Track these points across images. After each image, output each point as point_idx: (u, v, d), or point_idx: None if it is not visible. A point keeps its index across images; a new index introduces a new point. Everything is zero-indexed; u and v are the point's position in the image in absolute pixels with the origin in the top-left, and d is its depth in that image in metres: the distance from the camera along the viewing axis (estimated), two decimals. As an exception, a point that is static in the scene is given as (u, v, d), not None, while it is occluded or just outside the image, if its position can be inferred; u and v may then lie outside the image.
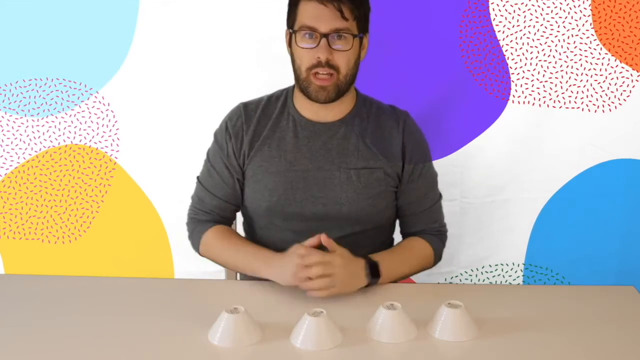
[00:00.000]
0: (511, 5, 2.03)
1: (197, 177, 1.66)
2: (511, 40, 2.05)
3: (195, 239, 1.63)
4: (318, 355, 1.19)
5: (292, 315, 1.28)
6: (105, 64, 2.08)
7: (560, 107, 2.10)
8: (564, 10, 2.02)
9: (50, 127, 2.15)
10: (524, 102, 2.10)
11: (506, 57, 2.07)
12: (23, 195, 2.20)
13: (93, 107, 2.13)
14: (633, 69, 2.06)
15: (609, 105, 2.09)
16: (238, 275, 1.71)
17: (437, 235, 1.64)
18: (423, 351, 1.21)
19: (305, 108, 1.56)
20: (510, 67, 2.07)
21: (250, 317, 1.24)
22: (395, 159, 1.56)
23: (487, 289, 1.65)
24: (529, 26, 2.04)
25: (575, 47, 2.05)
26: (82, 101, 2.13)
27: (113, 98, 2.12)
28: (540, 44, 2.05)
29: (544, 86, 2.08)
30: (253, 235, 1.66)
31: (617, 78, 2.07)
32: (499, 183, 2.17)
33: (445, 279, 2.25)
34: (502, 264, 2.26)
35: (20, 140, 2.16)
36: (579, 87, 2.08)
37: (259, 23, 2.01)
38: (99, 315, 1.34)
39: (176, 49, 2.06)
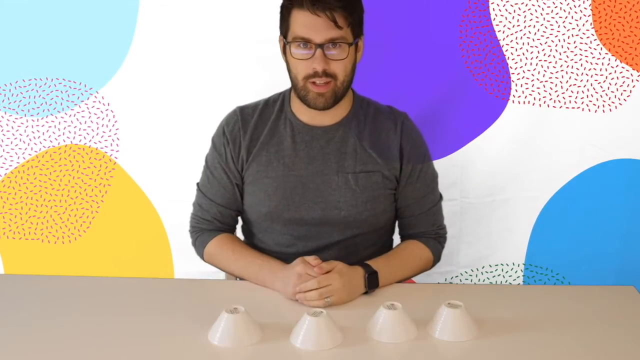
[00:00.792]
0: (511, 5, 2.03)
1: (197, 184, 1.65)
2: (511, 40, 2.05)
3: (198, 249, 1.63)
4: (318, 355, 1.19)
5: (292, 315, 1.28)
6: (105, 63, 2.08)
7: (561, 107, 2.10)
8: (564, 10, 2.02)
9: (50, 127, 2.15)
10: (524, 102, 2.10)
11: (506, 57, 2.07)
12: (23, 195, 2.20)
13: (93, 107, 2.13)
14: (633, 69, 2.06)
15: (609, 105, 2.09)
16: (238, 275, 1.71)
17: (435, 238, 1.63)
18: (423, 351, 1.21)
19: (303, 112, 1.55)
20: (511, 67, 2.07)
21: (250, 317, 1.24)
22: (393, 161, 1.55)
23: (487, 289, 1.66)
24: (529, 26, 2.04)
25: (576, 47, 2.05)
26: (82, 101, 2.13)
27: (113, 98, 2.12)
28: (541, 44, 2.05)
29: (544, 86, 2.08)
30: (252, 239, 1.65)
31: (617, 78, 2.07)
32: (499, 183, 2.17)
33: (445, 279, 2.25)
34: (502, 264, 2.26)
35: (20, 140, 2.16)
36: (579, 87, 2.08)
37: (258, 23, 2.00)
38: (99, 315, 1.34)
39: (176, 49, 2.06)
